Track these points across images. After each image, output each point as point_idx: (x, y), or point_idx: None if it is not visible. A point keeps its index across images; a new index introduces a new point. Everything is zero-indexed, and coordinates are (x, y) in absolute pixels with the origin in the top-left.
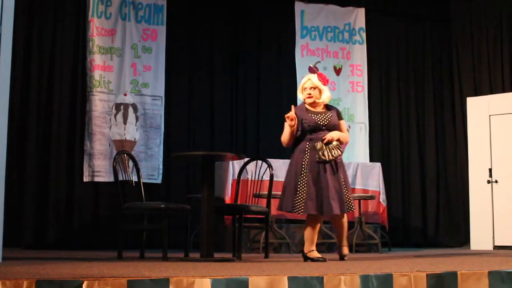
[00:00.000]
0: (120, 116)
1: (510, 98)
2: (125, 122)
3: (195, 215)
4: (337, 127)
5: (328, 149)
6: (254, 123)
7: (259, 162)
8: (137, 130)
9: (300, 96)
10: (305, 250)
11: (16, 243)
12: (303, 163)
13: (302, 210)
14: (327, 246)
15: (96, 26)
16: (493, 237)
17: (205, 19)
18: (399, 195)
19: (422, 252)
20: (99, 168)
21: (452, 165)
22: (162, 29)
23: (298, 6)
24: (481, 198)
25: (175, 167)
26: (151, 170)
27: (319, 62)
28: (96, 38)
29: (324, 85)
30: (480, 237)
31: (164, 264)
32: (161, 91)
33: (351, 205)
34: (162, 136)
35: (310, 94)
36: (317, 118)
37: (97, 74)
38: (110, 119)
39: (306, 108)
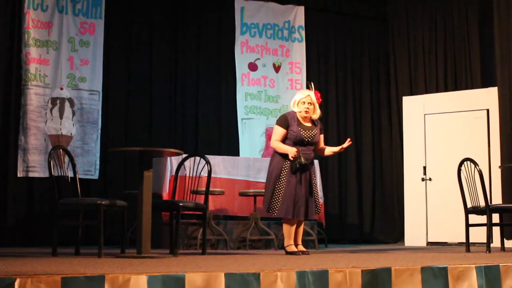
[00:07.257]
0: (56, 110)
1: (445, 97)
2: (61, 117)
3: (132, 211)
4: (318, 143)
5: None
6: (193, 119)
7: (197, 158)
8: (73, 125)
9: (295, 108)
10: (284, 245)
11: None
12: (283, 168)
13: (276, 212)
14: (264, 242)
15: (32, 18)
16: (427, 234)
17: (144, 13)
18: (336, 192)
19: (357, 248)
20: (34, 163)
21: (388, 163)
22: (100, 22)
23: (238, 3)
24: (415, 196)
25: (112, 162)
26: (88, 165)
27: (259, 59)
28: (32, 30)
29: (318, 102)
30: (414, 233)
31: (100, 260)
32: (98, 85)
33: (319, 208)
34: (99, 131)
35: (308, 109)
36: (304, 133)
37: (32, 68)
38: (46, 113)
39: (297, 119)
